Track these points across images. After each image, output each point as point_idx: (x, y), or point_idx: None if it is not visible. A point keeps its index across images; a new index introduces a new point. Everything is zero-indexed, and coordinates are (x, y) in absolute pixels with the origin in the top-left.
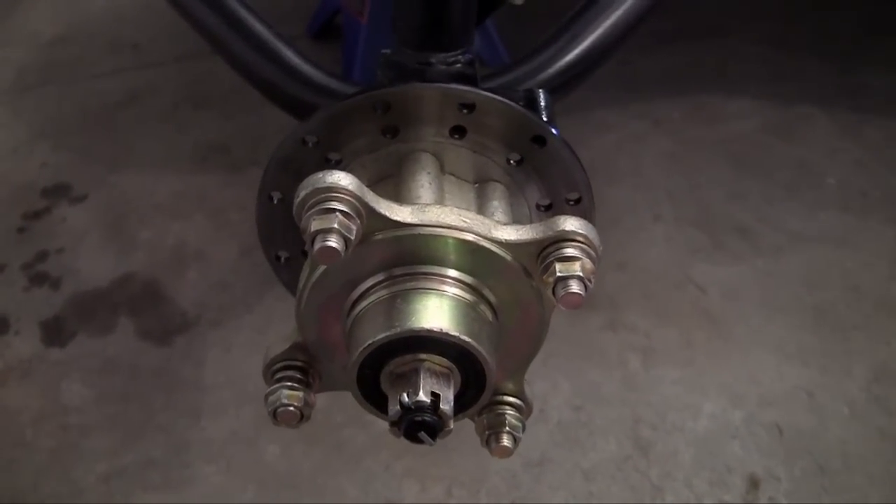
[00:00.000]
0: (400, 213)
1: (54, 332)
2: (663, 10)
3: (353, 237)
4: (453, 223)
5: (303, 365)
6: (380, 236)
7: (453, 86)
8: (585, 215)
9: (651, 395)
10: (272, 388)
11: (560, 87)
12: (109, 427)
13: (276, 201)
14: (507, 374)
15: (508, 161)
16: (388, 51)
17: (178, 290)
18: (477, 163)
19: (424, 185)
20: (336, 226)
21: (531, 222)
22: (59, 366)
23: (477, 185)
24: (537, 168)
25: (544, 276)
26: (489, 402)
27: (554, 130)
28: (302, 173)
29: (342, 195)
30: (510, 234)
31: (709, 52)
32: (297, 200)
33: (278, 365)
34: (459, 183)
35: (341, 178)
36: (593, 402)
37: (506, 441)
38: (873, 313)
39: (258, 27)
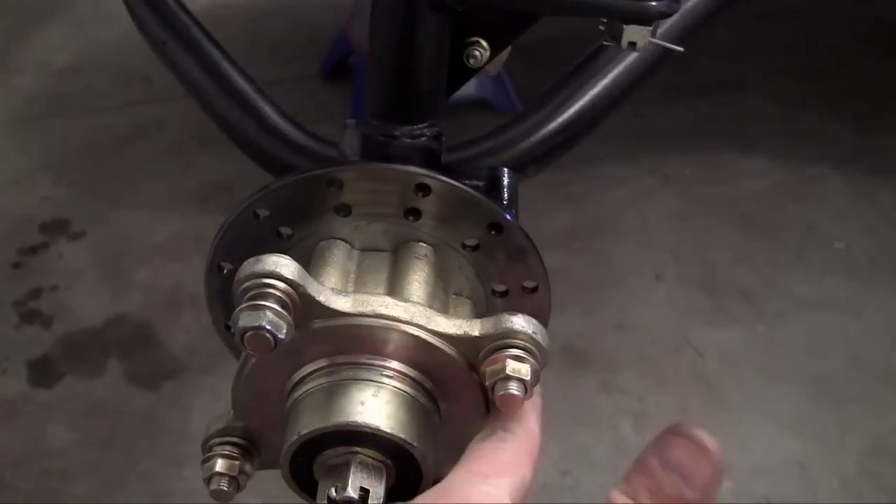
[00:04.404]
0: (339, 302)
1: (42, 373)
2: (650, 78)
3: (281, 335)
4: (393, 314)
5: (243, 442)
6: (319, 324)
7: (410, 168)
8: (541, 305)
9: None
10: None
11: (531, 161)
12: (91, 473)
13: (226, 271)
14: None
15: (464, 246)
16: (352, 120)
17: (171, 334)
18: (432, 245)
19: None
20: (264, 323)
21: (486, 309)
22: (45, 408)
23: (429, 268)
24: (493, 254)
25: (485, 374)
26: None
27: (508, 216)
28: (253, 245)
29: (278, 283)
30: (452, 328)
31: (725, 108)
32: (234, 286)
33: (215, 440)
34: (413, 265)
35: (279, 265)
36: (581, 467)
37: None
38: (873, 385)
39: (240, 82)
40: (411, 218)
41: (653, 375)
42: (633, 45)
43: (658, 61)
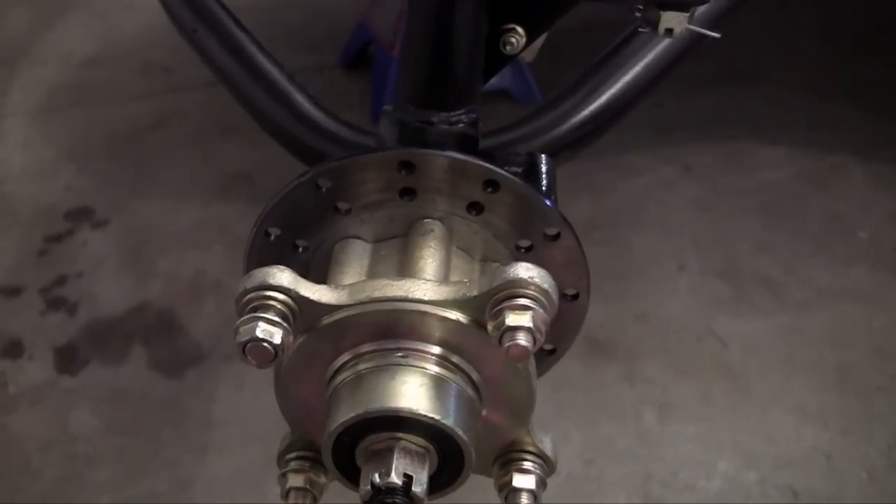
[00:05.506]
0: (334, 295)
1: (67, 359)
2: (680, 65)
3: (276, 341)
4: (388, 294)
5: (311, 454)
6: (326, 321)
7: (486, 164)
8: (570, 249)
9: (665, 451)
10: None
11: (564, 147)
12: (116, 459)
13: (273, 238)
14: (511, 427)
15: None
16: (388, 106)
17: (194, 322)
18: (486, 242)
19: (426, 257)
20: (258, 333)
21: None
22: (70, 393)
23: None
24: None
25: (491, 328)
26: (511, 457)
27: (548, 202)
28: (307, 215)
29: (272, 292)
30: (451, 293)
31: (744, 97)
32: (235, 306)
33: (286, 457)
34: (466, 259)
35: (268, 275)
36: (605, 457)
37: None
38: None
39: (271, 69)
40: (473, 212)
41: (676, 365)
42: (669, 31)
43: (689, 48)
